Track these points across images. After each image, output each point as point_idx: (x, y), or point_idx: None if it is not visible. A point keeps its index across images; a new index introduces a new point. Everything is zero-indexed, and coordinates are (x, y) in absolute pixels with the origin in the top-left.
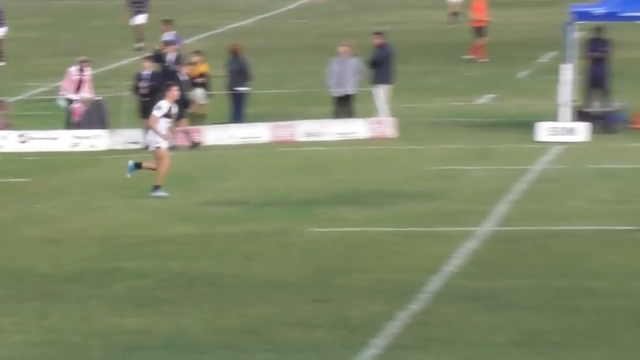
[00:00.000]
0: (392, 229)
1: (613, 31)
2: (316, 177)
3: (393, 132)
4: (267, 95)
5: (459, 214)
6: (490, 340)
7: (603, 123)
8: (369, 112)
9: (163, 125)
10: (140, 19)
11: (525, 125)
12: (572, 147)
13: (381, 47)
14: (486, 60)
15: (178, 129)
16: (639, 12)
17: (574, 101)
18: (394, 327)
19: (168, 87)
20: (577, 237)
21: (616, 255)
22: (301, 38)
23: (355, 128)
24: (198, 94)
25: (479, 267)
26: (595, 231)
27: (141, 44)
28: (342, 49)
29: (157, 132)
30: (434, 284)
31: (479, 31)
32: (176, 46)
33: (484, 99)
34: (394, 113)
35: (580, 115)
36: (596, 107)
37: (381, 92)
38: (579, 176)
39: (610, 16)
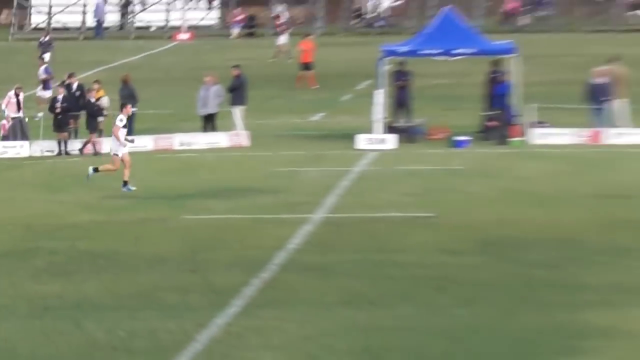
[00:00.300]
0: (247, 216)
1: (413, 65)
2: (189, 177)
3: (247, 143)
4: (150, 115)
5: (298, 205)
6: (322, 300)
7: (407, 135)
8: (229, 127)
9: (122, 134)
10: (47, 57)
11: (348, 137)
12: (383, 154)
13: (237, 77)
14: (317, 86)
15: (91, 139)
16: (432, 51)
17: (384, 118)
18: (249, 291)
19: (124, 104)
20: (389, 222)
21: (418, 236)
22: (175, 71)
23: (218, 139)
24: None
25: (314, 245)
26: (402, 217)
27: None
28: (206, 79)
29: (119, 140)
30: (280, 258)
31: (307, 66)
32: (50, 75)
33: (317, 117)
34: (248, 128)
35: (390, 129)
36: (401, 122)
37: (237, 112)
38: (389, 175)
39: (410, 53)
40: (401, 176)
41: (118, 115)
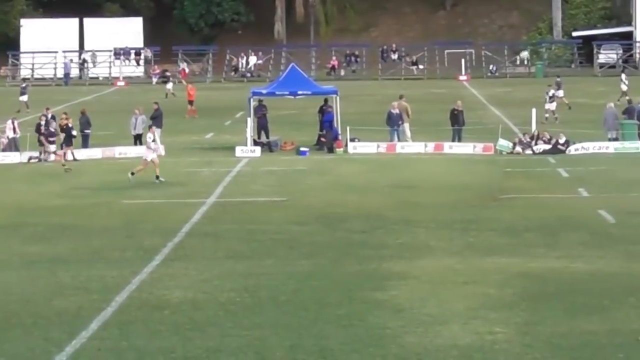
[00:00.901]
0: (164, 200)
1: (271, 101)
2: (125, 176)
3: (163, 153)
4: (99, 134)
5: (197, 193)
6: (214, 256)
7: (267, 147)
8: None
9: (152, 146)
10: (24, 97)
11: (230, 149)
12: (253, 160)
13: (156, 110)
14: (196, 116)
15: (66, 150)
16: (283, 92)
17: (252, 136)
18: (166, 249)
19: (150, 126)
20: (257, 204)
21: (276, 213)
22: (116, 106)
23: (144, 151)
24: (63, 136)
25: (208, 220)
26: (265, 200)
27: (27, 110)
28: (136, 111)
29: (150, 148)
30: (186, 228)
31: (191, 102)
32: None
33: (209, 135)
34: (163, 143)
35: (256, 143)
36: (263, 139)
37: (157, 134)
38: (256, 173)
39: (269, 94)
40: (264, 174)
41: (148, 134)
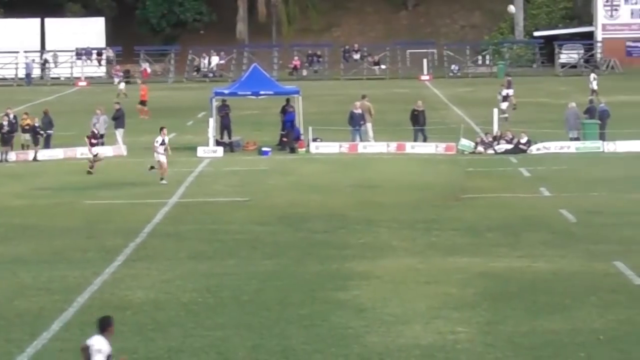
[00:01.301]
0: (126, 201)
1: (233, 102)
2: (87, 176)
3: (125, 153)
4: (61, 135)
5: (159, 193)
6: (176, 256)
7: (229, 147)
8: (112, 142)
9: (160, 150)
10: None
11: (192, 149)
12: (215, 160)
13: (118, 110)
14: (147, 117)
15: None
16: (246, 92)
17: (215, 136)
18: (128, 250)
19: (161, 128)
20: (219, 204)
21: (238, 213)
22: (77, 106)
23: (105, 151)
24: (27, 136)
25: (170, 220)
26: (228, 201)
27: None
28: (97, 111)
29: (156, 152)
30: (148, 228)
31: (143, 103)
32: None
33: (171, 136)
34: (125, 143)
35: (218, 143)
36: (226, 139)
37: (119, 133)
38: (219, 174)
39: (231, 94)
40: (226, 174)
41: (158, 137)
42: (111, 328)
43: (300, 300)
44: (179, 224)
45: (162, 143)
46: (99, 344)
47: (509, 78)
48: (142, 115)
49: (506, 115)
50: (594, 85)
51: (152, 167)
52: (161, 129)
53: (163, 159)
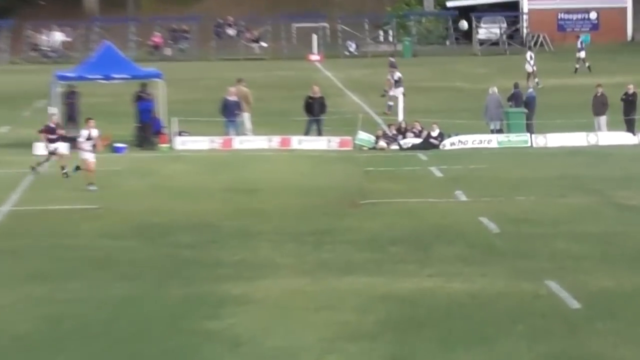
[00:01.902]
0: None
1: (81, 87)
2: None
3: None
4: None
5: None
6: (12, 276)
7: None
8: None
9: (86, 146)
10: None
11: (29, 146)
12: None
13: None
14: None
15: None
16: (95, 76)
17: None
18: None
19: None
20: (62, 213)
21: (85, 224)
22: None
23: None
24: None
25: (1, 233)
26: (73, 209)
27: None
28: None
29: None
30: None
31: None
32: None
33: (4, 130)
34: None
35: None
36: (71, 133)
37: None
38: (61, 175)
39: (78, 78)
40: (71, 176)
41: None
42: None
43: (161, 332)
44: (13, 238)
45: (89, 138)
46: None
47: (392, 59)
48: None
49: (391, 103)
50: (529, 67)
51: (77, 168)
52: (87, 120)
53: (90, 157)
